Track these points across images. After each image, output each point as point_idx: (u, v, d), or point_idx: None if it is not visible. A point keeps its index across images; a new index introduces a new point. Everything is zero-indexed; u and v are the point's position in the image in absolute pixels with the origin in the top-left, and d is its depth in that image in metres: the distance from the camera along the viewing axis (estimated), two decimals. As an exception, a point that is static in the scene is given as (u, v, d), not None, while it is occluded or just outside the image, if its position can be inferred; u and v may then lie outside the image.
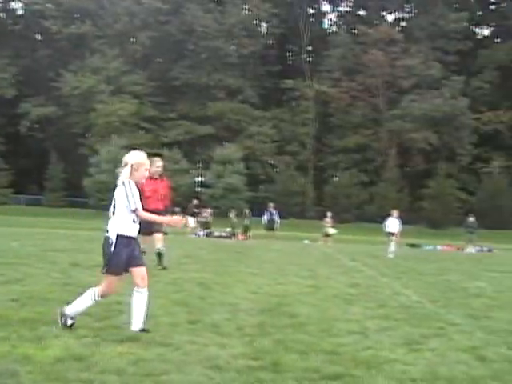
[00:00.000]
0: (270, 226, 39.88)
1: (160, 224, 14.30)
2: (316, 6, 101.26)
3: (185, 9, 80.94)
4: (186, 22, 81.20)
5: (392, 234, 27.70)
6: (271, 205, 41.56)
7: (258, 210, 57.71)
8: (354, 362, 6.15)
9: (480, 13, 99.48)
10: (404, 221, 32.15)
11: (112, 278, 7.14)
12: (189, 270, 14.48)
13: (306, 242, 39.18)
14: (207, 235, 40.23)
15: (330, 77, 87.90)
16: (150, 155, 12.54)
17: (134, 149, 7.63)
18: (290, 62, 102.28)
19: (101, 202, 67.55)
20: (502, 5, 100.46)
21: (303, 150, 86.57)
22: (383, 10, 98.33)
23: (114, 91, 79.82)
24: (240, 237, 40.66)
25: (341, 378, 5.60)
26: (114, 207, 7.19)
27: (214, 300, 9.72)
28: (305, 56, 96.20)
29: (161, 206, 14.34)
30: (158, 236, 14.83)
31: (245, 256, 21.19)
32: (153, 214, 14.11)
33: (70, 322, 7.08)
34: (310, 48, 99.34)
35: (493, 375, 5.93)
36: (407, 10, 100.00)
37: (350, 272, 16.63)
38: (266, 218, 40.38)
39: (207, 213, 43.49)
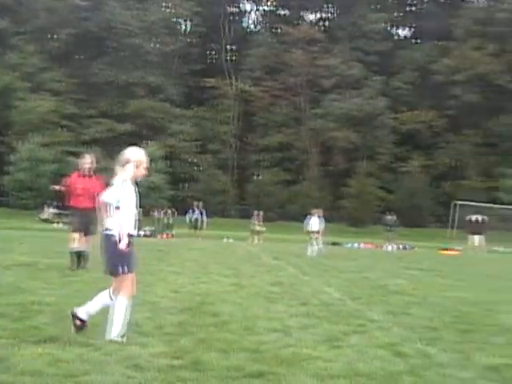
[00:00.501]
0: (195, 225, 39.91)
1: (95, 226, 13.99)
2: (237, 4, 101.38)
3: (105, 5, 79.93)
4: (105, 19, 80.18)
5: (314, 232, 27.77)
6: (198, 203, 41.65)
7: (181, 208, 57.44)
8: (276, 360, 6.16)
9: (399, 14, 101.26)
10: (326, 219, 32.44)
11: (129, 277, 7.01)
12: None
13: (229, 240, 39.20)
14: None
15: (252, 76, 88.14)
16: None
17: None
18: (212, 61, 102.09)
19: (20, 200, 66.23)
20: (420, 6, 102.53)
21: (225, 148, 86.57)
22: (304, 10, 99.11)
23: (33, 88, 78.22)
24: (163, 235, 40.51)
25: (263, 376, 5.60)
26: (111, 206, 6.99)
27: (135, 299, 9.60)
28: (226, 55, 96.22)
29: (94, 205, 13.54)
30: (88, 238, 14.22)
31: (167, 255, 21.09)
32: (84, 212, 13.90)
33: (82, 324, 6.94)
34: (231, 47, 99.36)
35: (410, 370, 6.02)
36: (328, 10, 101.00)
37: (272, 270, 16.69)
38: (190, 216, 40.36)
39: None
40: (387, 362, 6.31)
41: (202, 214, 40.39)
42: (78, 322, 6.90)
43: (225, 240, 39.27)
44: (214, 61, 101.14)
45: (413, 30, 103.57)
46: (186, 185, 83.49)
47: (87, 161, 14.14)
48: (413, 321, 8.79)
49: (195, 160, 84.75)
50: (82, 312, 6.97)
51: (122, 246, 6.78)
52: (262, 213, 41.83)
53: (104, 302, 7.07)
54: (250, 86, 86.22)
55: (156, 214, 43.31)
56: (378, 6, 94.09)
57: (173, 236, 40.36)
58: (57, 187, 14.07)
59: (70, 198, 14.00)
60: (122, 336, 6.76)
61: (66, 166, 64.56)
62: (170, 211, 43.52)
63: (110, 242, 6.89)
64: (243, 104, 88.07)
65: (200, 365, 5.87)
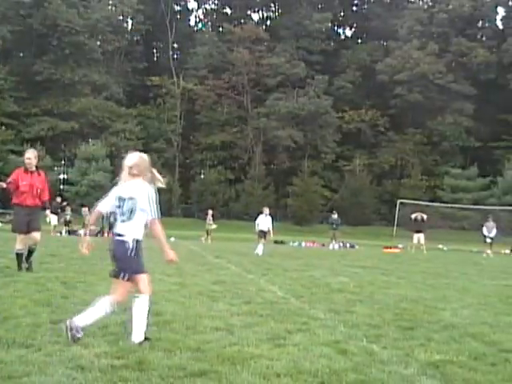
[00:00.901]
0: None
1: (39, 222, 13.73)
2: (182, 3, 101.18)
3: (47, 3, 78.91)
4: (49, 17, 79.22)
5: (263, 232, 27.66)
6: None
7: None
8: (220, 359, 6.15)
9: (343, 14, 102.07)
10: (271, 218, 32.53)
11: (129, 284, 6.91)
12: (52, 269, 14.11)
13: (172, 239, 39.02)
14: (69, 233, 39.57)
15: (197, 74, 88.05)
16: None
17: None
18: (156, 59, 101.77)
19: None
20: (364, 6, 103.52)
21: (169, 147, 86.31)
22: (249, 9, 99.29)
23: (-27, 86, 77.12)
24: (107, 235, 40.17)
25: (206, 375, 5.59)
26: (131, 211, 6.92)
27: (78, 299, 9.51)
28: (171, 53, 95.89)
29: (38, 202, 13.56)
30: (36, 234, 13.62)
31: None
32: (28, 210, 13.49)
33: (79, 335, 6.59)
34: (176, 45, 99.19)
35: (353, 368, 6.07)
36: (272, 9, 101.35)
37: (215, 269, 16.66)
38: None
39: (69, 210, 42.62)
40: (331, 360, 6.34)
41: None
42: (75, 334, 6.62)
43: (172, 239, 39.08)
44: (158, 59, 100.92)
45: (356, 29, 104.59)
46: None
47: (27, 156, 13.57)
48: (356, 318, 8.85)
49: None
50: (80, 321, 6.69)
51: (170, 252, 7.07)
52: (211, 211, 42.12)
53: (105, 310, 6.90)
54: (194, 85, 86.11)
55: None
56: (323, 6, 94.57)
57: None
58: (3, 184, 13.52)
59: (13, 196, 13.53)
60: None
61: (8, 164, 63.69)
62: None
63: (121, 247, 6.86)
64: (187, 103, 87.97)
65: (143, 364, 5.83)
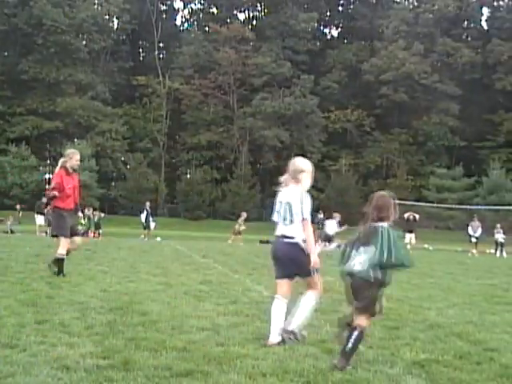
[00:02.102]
0: (148, 225, 40.10)
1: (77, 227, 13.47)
2: (168, 2, 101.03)
3: (33, 2, 78.54)
4: (34, 16, 78.82)
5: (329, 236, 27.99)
6: (147, 204, 42.00)
7: (109, 207, 57.10)
8: (206, 359, 6.16)
9: (329, 14, 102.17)
10: (256, 217, 32.54)
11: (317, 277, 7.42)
12: (37, 269, 14.05)
13: (158, 239, 39.02)
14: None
15: (183, 74, 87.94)
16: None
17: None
18: (142, 59, 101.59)
19: None
20: (350, 6, 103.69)
21: (155, 147, 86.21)
22: (235, 9, 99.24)
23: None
24: (94, 234, 40.21)
25: (192, 375, 5.60)
26: (291, 213, 7.35)
27: (63, 299, 9.49)
28: (157, 53, 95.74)
29: (74, 205, 13.23)
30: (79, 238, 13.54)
31: (95, 254, 20.86)
32: (72, 213, 13.19)
33: (304, 333, 7.26)
34: (162, 45, 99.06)
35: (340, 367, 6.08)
36: (258, 8, 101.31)
37: (201, 269, 16.64)
38: (144, 216, 40.47)
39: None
40: (317, 360, 6.36)
41: (147, 214, 40.57)
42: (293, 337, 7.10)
43: (158, 239, 39.09)
44: (144, 59, 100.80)
45: (342, 29, 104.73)
46: (114, 183, 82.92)
47: (77, 158, 13.26)
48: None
49: (122, 158, 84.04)
50: (294, 326, 7.21)
51: (315, 258, 7.33)
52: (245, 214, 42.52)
53: (310, 306, 7.59)
54: (180, 84, 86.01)
55: (87, 212, 42.85)
56: (309, 6, 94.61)
57: (99, 235, 40.11)
58: (55, 193, 12.80)
59: (54, 199, 13.01)
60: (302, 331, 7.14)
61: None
62: (98, 211, 43.33)
63: (297, 249, 7.34)
64: (173, 102, 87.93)
65: (128, 364, 5.83)
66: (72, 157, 13.13)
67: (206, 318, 8.42)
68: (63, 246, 12.79)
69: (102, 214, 43.18)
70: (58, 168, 13.13)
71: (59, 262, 12.78)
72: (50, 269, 12.81)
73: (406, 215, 38.75)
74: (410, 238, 37.86)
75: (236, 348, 6.70)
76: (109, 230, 40.55)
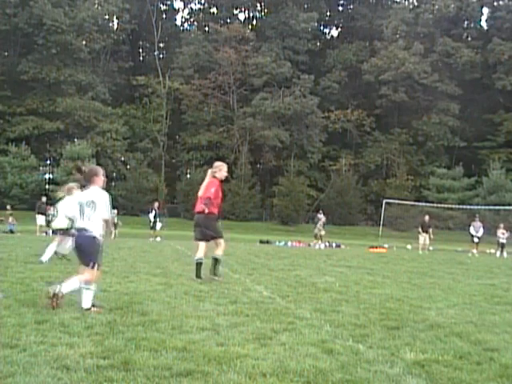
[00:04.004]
0: (154, 225, 40.23)
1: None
2: (168, 2, 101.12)
3: (33, 2, 78.52)
4: (34, 16, 78.81)
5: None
6: (153, 204, 42.23)
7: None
8: (206, 358, 6.15)
9: (329, 14, 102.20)
10: (256, 217, 32.56)
11: None
12: (37, 269, 14.06)
13: (158, 239, 39.01)
14: (55, 233, 39.38)
15: (183, 74, 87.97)
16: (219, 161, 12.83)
17: None
18: (142, 59, 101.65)
19: None
20: (349, 6, 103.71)
21: (155, 147, 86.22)
22: (235, 9, 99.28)
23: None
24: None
25: (191, 375, 5.59)
26: None
27: (63, 299, 9.48)
28: (157, 53, 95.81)
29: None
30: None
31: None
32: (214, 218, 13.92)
33: None
34: (162, 45, 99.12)
35: (339, 367, 6.08)
36: (258, 8, 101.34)
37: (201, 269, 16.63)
38: (152, 216, 40.61)
39: (51, 211, 42.36)
40: (317, 360, 6.35)
41: (155, 214, 40.72)
42: None
43: (157, 239, 39.08)
44: (144, 58, 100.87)
45: (342, 29, 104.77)
46: (114, 183, 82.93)
47: (225, 169, 14.32)
48: (342, 318, 8.87)
49: (122, 158, 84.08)
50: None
51: None
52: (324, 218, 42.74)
53: None
54: (180, 84, 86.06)
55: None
56: (309, 6, 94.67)
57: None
58: (208, 201, 13.87)
59: (209, 205, 13.93)
60: None
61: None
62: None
63: None
64: (173, 102, 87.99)
65: (128, 364, 5.82)
66: (221, 169, 14.15)
67: (206, 317, 8.42)
68: (222, 247, 14.03)
69: (115, 212, 43.06)
70: (209, 177, 14.16)
71: (200, 265, 13.84)
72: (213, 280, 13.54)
73: (426, 218, 39.47)
74: (424, 238, 38.40)
75: (236, 348, 6.70)
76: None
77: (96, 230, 8.93)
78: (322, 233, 41.27)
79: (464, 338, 7.78)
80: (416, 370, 6.14)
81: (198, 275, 13.66)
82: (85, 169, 9.31)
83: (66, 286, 8.71)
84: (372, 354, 6.70)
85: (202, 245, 13.94)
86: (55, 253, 16.95)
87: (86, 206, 8.95)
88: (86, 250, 8.93)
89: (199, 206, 14.01)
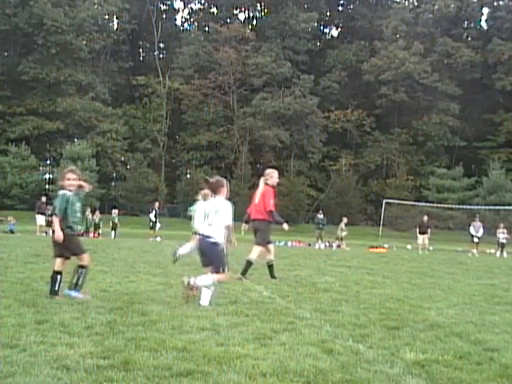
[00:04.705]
0: (154, 225, 40.31)
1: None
2: (168, 2, 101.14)
3: (33, 2, 78.51)
4: (34, 16, 78.81)
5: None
6: (154, 204, 42.30)
7: (109, 207, 57.14)
8: (206, 358, 6.14)
9: (329, 14, 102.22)
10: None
11: None
12: (37, 269, 14.06)
13: (158, 239, 39.04)
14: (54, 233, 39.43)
15: (183, 74, 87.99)
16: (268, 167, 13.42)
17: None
18: (142, 59, 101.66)
19: None
20: (349, 6, 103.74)
21: (155, 147, 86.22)
22: (235, 8, 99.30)
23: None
24: (94, 234, 40.28)
25: (191, 375, 5.58)
26: None
27: (63, 299, 9.49)
28: (157, 53, 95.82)
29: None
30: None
31: (95, 254, 20.84)
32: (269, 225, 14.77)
33: None
34: (162, 45, 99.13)
35: (339, 367, 6.07)
36: (258, 8, 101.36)
37: (201, 269, 16.61)
38: (153, 215, 40.69)
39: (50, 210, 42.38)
40: (317, 360, 6.34)
41: (156, 214, 40.82)
42: None
43: (157, 239, 39.12)
44: (144, 58, 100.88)
45: (342, 29, 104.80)
46: (114, 183, 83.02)
47: (277, 175, 14.89)
48: (342, 318, 8.86)
49: (122, 159, 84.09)
50: None
51: None
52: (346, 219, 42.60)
53: None
54: (180, 84, 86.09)
55: (87, 212, 42.97)
56: (309, 6, 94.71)
57: (99, 235, 40.19)
58: (273, 210, 14.52)
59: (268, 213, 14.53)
60: None
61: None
62: (97, 211, 43.45)
63: None
64: (173, 102, 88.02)
65: (128, 364, 5.82)
66: (272, 175, 14.70)
67: (206, 317, 8.41)
68: (272, 251, 14.72)
69: (116, 212, 43.11)
70: (262, 185, 14.62)
71: (272, 266, 14.65)
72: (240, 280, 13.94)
73: (425, 218, 39.61)
74: (422, 238, 38.53)
75: (236, 348, 6.69)
76: (107, 231, 40.54)
77: (218, 236, 9.89)
78: (344, 234, 41.42)
79: (464, 337, 7.78)
80: (416, 370, 6.13)
81: (273, 276, 14.48)
82: (212, 180, 10.39)
83: (200, 280, 9.76)
84: (372, 354, 6.70)
85: (270, 247, 14.73)
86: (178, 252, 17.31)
87: (211, 214, 9.98)
88: (209, 255, 10.04)
89: (256, 213, 14.59)
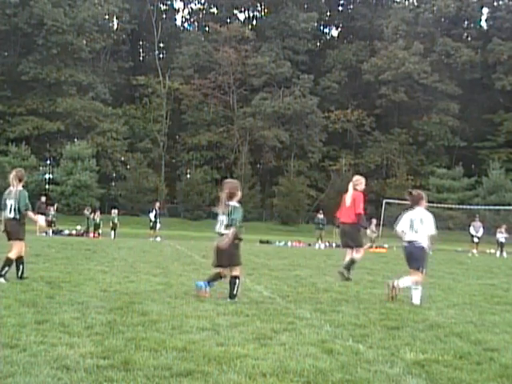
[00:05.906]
0: (155, 225, 40.30)
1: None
2: (168, 2, 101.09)
3: (33, 2, 78.42)
4: (34, 16, 78.71)
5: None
6: (154, 204, 42.34)
7: (109, 207, 57.10)
8: (206, 358, 6.15)
9: (329, 13, 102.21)
10: (256, 217, 32.51)
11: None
12: (37, 269, 14.07)
13: (158, 239, 39.05)
14: (55, 233, 39.48)
15: (183, 74, 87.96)
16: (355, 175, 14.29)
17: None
18: (142, 59, 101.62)
19: None
20: (349, 6, 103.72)
21: (155, 147, 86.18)
22: (235, 8, 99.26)
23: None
24: (94, 234, 40.25)
25: (191, 375, 5.58)
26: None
27: (63, 299, 9.49)
28: (157, 53, 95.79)
29: None
30: None
31: (95, 254, 20.86)
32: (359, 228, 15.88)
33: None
34: (162, 45, 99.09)
35: (339, 367, 6.07)
36: (258, 8, 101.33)
37: (201, 269, 16.63)
38: (153, 215, 40.68)
39: (52, 211, 42.36)
40: (317, 360, 6.34)
41: (156, 214, 40.81)
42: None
43: (157, 239, 39.11)
44: (144, 58, 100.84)
45: (342, 29, 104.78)
46: (114, 183, 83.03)
47: (364, 181, 15.77)
48: (342, 318, 8.87)
49: (122, 158, 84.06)
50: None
51: None
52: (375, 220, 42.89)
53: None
54: (180, 84, 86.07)
55: (87, 212, 42.95)
56: (309, 6, 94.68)
57: (99, 235, 40.17)
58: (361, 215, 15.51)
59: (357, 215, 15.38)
60: None
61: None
62: (98, 211, 43.40)
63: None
64: (173, 102, 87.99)
65: (128, 364, 5.82)
66: (361, 182, 15.69)
67: (206, 317, 8.42)
68: (361, 253, 15.58)
69: (116, 212, 43.07)
70: (351, 190, 15.52)
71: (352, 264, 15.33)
72: (342, 275, 14.89)
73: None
74: None
75: (236, 348, 6.69)
76: (107, 231, 40.54)
77: (423, 241, 11.28)
78: (374, 235, 41.44)
79: (464, 337, 7.78)
80: (416, 370, 6.14)
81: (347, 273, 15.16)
82: (414, 193, 11.87)
83: (402, 282, 11.19)
84: (372, 354, 6.70)
85: (349, 252, 15.47)
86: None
87: (416, 222, 11.31)
88: (415, 257, 11.28)
89: (346, 217, 15.42)
